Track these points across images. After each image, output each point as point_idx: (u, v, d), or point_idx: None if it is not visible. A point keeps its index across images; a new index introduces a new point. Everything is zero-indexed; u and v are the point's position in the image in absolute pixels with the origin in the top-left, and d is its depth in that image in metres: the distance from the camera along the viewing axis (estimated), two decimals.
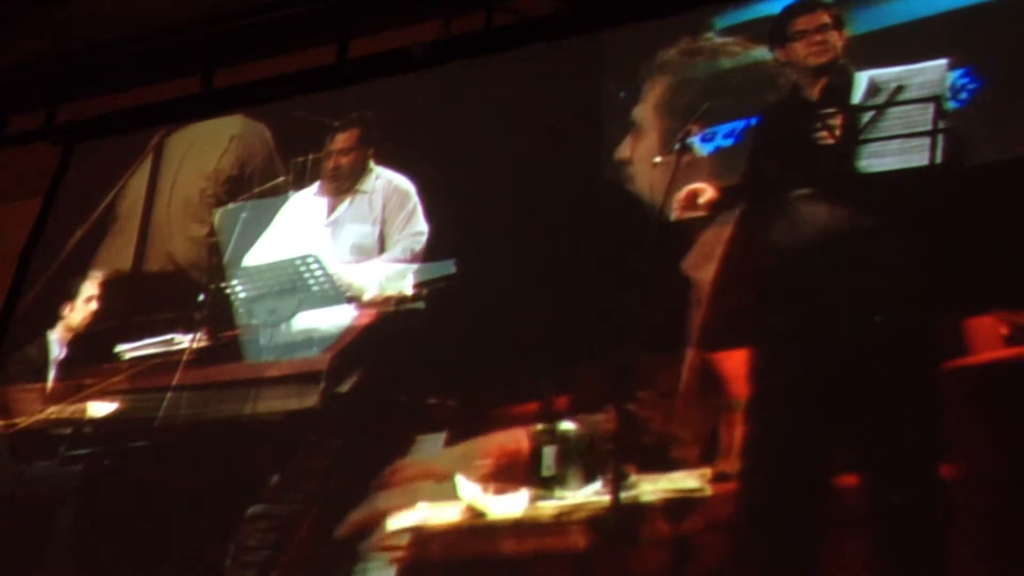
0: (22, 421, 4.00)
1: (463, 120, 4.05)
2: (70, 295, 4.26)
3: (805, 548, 2.78)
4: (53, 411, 3.96)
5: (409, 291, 3.65)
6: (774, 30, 3.40)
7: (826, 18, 3.32)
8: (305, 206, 3.96)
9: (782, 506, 2.84)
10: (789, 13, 3.40)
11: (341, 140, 3.95)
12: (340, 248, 3.74)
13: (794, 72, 3.32)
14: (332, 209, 3.89)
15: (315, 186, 3.98)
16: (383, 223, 3.77)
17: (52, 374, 4.12)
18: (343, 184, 3.90)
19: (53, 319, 4.23)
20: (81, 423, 3.86)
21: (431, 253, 3.69)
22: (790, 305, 3.01)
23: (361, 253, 3.73)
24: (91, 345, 4.12)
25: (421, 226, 3.74)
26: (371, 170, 3.91)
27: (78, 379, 4.05)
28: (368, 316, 3.63)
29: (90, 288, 4.26)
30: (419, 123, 4.06)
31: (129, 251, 4.40)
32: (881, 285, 2.91)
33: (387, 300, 3.67)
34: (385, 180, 3.88)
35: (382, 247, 3.74)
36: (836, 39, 3.28)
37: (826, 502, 2.81)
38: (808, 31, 3.31)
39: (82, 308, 4.22)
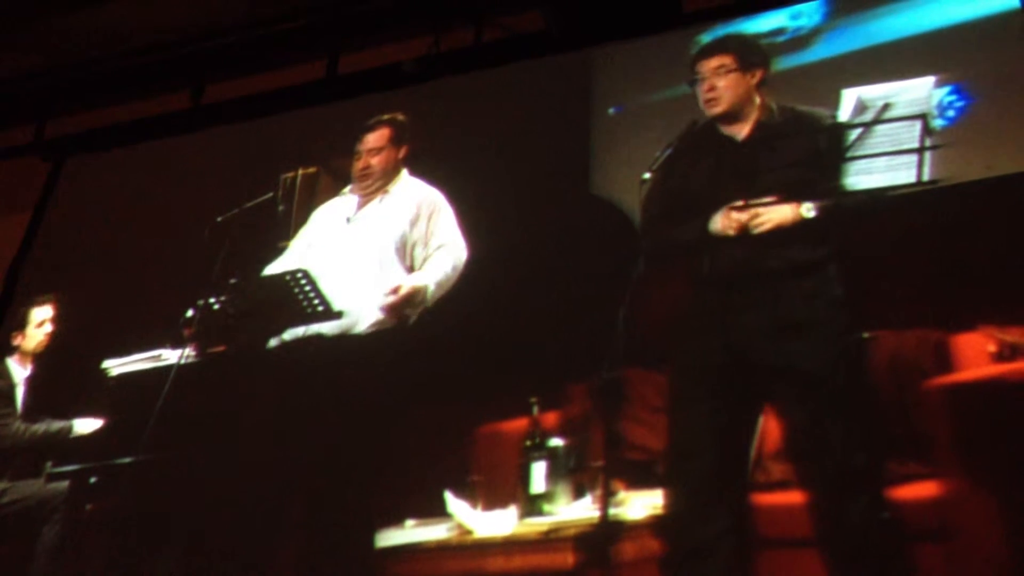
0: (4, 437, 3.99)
1: (451, 136, 4.05)
2: (21, 322, 4.26)
3: (785, 565, 2.79)
4: (39, 427, 3.94)
5: (424, 304, 3.64)
6: (688, 69, 3.35)
7: (725, 60, 3.26)
8: (336, 206, 3.93)
9: (753, 529, 2.85)
10: (696, 54, 3.34)
11: (371, 140, 3.90)
12: (363, 246, 3.73)
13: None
14: (361, 207, 3.86)
15: (349, 187, 3.95)
16: (413, 227, 3.75)
17: (21, 393, 4.12)
18: (374, 184, 3.86)
19: (7, 347, 4.24)
20: (67, 440, 3.84)
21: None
22: (754, 325, 3.01)
23: (385, 253, 3.71)
24: (74, 362, 4.10)
25: (452, 237, 3.71)
26: (402, 174, 3.89)
27: (61, 396, 4.03)
28: (357, 330, 3.62)
29: (43, 312, 4.26)
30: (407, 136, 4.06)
31: (117, 266, 4.39)
32: (867, 301, 2.92)
33: (402, 308, 3.65)
34: (418, 185, 3.85)
35: (407, 252, 3.73)
36: (733, 83, 3.24)
37: (807, 518, 2.81)
38: (704, 77, 3.27)
39: (37, 331, 4.22)
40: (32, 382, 4.14)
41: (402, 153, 3.90)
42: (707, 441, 2.93)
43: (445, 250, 3.68)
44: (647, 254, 3.16)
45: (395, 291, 3.60)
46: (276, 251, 3.92)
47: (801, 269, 2.98)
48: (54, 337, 4.22)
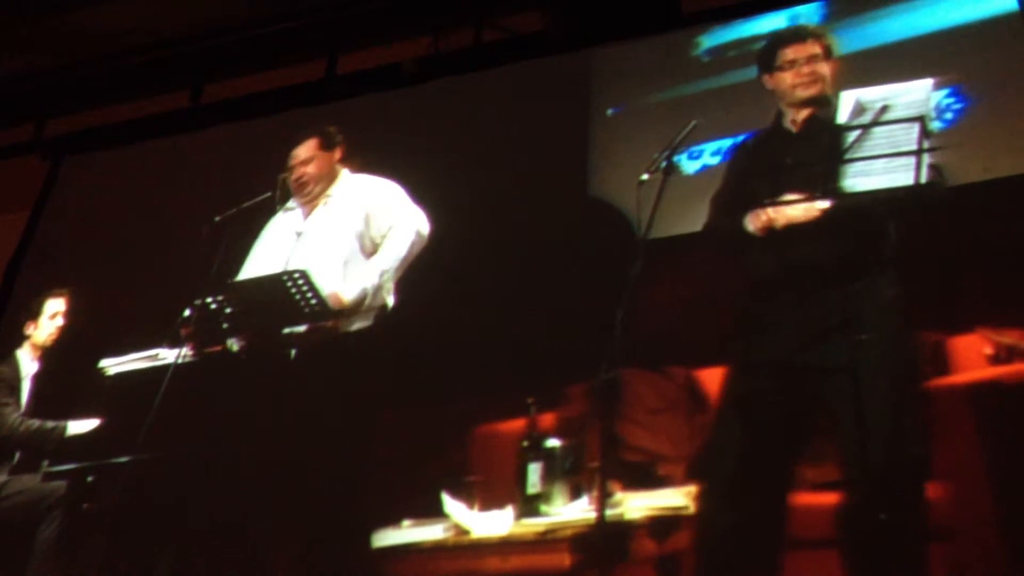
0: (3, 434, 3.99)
1: (451, 136, 4.05)
2: (35, 312, 4.26)
3: (784, 566, 2.78)
4: (34, 422, 3.95)
5: (394, 305, 3.65)
6: (764, 56, 3.33)
7: (816, 48, 3.24)
8: (282, 222, 3.96)
9: (761, 524, 2.84)
10: (778, 40, 3.33)
11: (301, 152, 3.96)
12: (321, 254, 3.74)
13: (780, 100, 3.27)
14: (306, 217, 3.89)
15: (291, 202, 3.98)
16: (367, 219, 3.78)
17: (27, 387, 4.12)
18: (312, 192, 3.91)
19: (20, 336, 4.24)
20: (63, 438, 3.84)
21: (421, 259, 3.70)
22: (774, 323, 3.01)
23: (345, 253, 3.73)
24: (68, 357, 4.11)
25: (403, 214, 3.75)
26: (341, 175, 3.92)
27: (56, 391, 4.03)
28: (353, 330, 3.62)
29: (56, 304, 4.26)
30: (405, 138, 4.07)
31: (116, 265, 4.39)
32: (866, 303, 2.92)
33: (373, 313, 3.67)
34: (359, 180, 3.89)
35: (371, 242, 3.75)
36: (824, 69, 3.22)
37: (807, 520, 2.81)
38: (798, 61, 3.23)
39: (49, 323, 4.22)
40: (37, 380, 4.14)
41: (337, 155, 3.96)
42: (750, 440, 2.94)
43: (397, 229, 3.73)
44: (663, 251, 3.15)
45: (334, 298, 3.64)
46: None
47: (834, 269, 2.96)
48: (62, 332, 4.22)
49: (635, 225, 3.26)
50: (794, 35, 3.34)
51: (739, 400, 3.03)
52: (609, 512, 2.91)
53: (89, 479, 3.66)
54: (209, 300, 3.67)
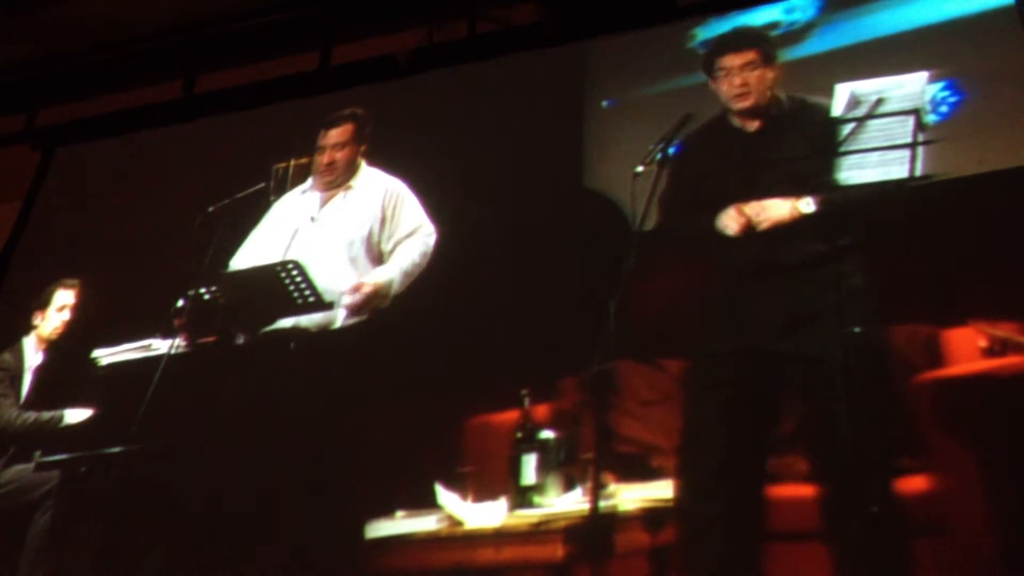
0: None
1: (444, 127, 4.05)
2: (44, 302, 4.24)
3: (775, 559, 2.79)
4: (30, 416, 3.94)
5: (389, 297, 3.65)
6: (704, 62, 3.37)
7: (751, 55, 3.26)
8: (296, 203, 3.94)
9: (752, 517, 2.85)
10: (717, 47, 3.37)
11: (335, 135, 3.92)
12: (331, 242, 3.73)
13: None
14: (324, 203, 3.88)
15: (307, 183, 3.96)
16: (381, 221, 3.77)
17: (28, 379, 4.10)
18: (337, 179, 3.88)
19: (28, 325, 4.22)
20: (57, 429, 3.83)
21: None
22: (768, 316, 3.02)
23: (354, 248, 3.73)
24: (68, 350, 4.09)
25: (418, 224, 3.75)
26: (362, 167, 3.91)
27: (55, 384, 4.02)
28: (347, 322, 3.62)
29: (66, 296, 4.24)
30: (399, 130, 4.06)
31: (109, 257, 4.38)
32: (860, 296, 2.92)
33: (367, 305, 3.66)
34: (379, 177, 3.87)
35: (378, 244, 3.74)
36: (760, 77, 3.24)
37: (798, 513, 2.81)
38: (731, 70, 3.26)
39: (56, 316, 4.20)
40: (38, 372, 4.13)
41: (362, 149, 3.93)
42: (721, 430, 2.94)
43: (412, 239, 3.72)
44: (657, 244, 3.15)
45: (357, 289, 3.64)
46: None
47: (811, 262, 2.97)
48: (67, 325, 4.19)
49: (630, 217, 3.27)
50: (730, 43, 3.37)
51: (706, 390, 3.04)
52: (603, 504, 2.91)
53: (83, 469, 3.65)
54: (203, 291, 3.66)
